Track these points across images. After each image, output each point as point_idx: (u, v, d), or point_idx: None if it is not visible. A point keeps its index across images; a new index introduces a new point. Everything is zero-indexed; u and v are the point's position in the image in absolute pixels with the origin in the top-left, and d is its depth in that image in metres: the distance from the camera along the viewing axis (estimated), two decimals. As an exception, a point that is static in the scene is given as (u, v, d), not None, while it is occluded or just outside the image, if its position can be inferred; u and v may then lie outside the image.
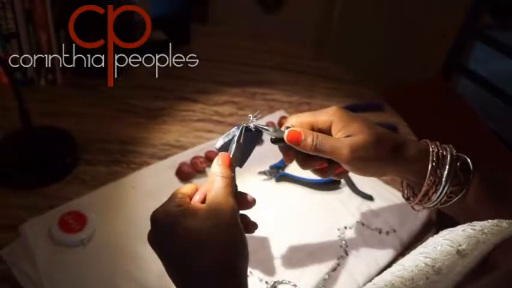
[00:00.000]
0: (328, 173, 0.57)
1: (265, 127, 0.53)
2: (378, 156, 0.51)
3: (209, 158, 0.83)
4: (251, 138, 0.52)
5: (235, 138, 0.51)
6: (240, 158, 0.51)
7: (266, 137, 0.90)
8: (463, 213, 0.52)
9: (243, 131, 0.52)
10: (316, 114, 0.54)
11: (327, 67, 1.23)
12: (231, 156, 0.51)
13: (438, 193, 0.50)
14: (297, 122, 0.54)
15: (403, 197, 0.58)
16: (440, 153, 0.51)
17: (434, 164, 0.50)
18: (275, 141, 0.54)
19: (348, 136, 0.52)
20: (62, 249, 0.66)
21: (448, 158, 0.51)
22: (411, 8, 1.78)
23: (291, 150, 0.54)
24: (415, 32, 1.80)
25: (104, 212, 0.71)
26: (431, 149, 0.52)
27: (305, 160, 0.55)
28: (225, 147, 0.52)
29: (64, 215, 0.68)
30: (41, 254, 0.64)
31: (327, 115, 0.53)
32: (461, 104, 1.60)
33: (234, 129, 0.52)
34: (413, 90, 1.62)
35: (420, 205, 0.54)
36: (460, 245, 0.41)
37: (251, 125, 0.52)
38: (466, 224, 0.44)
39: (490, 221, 0.43)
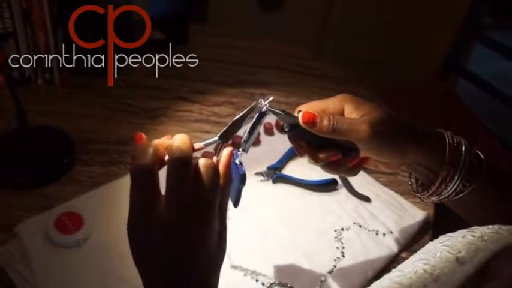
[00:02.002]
0: (342, 166, 0.54)
1: (278, 111, 0.50)
2: (396, 132, 0.50)
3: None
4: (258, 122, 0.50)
5: (249, 125, 0.49)
6: (248, 144, 0.50)
7: (264, 138, 0.92)
8: (472, 207, 0.52)
9: (260, 116, 0.49)
10: (326, 101, 0.52)
11: (325, 68, 1.23)
12: (243, 141, 0.49)
13: (455, 180, 0.50)
14: (308, 109, 0.51)
15: (413, 190, 0.57)
16: (455, 140, 0.51)
17: (451, 147, 0.50)
18: (288, 128, 0.51)
19: (362, 116, 0.50)
20: (57, 250, 0.65)
21: (463, 145, 0.51)
22: (411, 8, 1.78)
23: (302, 140, 0.52)
24: (414, 33, 1.80)
25: (101, 213, 0.71)
26: (446, 135, 0.51)
27: (318, 151, 0.52)
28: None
29: (60, 215, 0.68)
30: (37, 255, 0.64)
31: (337, 100, 0.52)
32: (459, 104, 1.60)
33: (245, 112, 0.49)
34: (412, 91, 1.62)
35: (434, 196, 0.52)
36: (459, 252, 0.41)
37: (263, 109, 0.49)
38: (466, 230, 0.44)
39: (490, 227, 0.43)
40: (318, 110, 0.50)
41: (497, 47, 1.56)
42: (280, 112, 0.50)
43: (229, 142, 0.49)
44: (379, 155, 0.51)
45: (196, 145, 0.45)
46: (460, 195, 0.50)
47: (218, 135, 0.47)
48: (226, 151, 0.46)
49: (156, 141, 0.44)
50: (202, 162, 0.43)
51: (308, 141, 0.52)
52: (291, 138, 0.53)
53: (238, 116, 0.48)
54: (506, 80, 1.74)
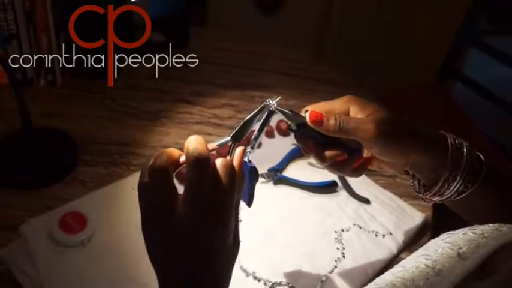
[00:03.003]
0: (347, 167, 0.55)
1: (286, 110, 0.51)
2: (401, 132, 0.51)
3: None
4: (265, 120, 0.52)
5: (258, 124, 0.50)
6: (257, 142, 0.51)
7: (265, 140, 0.93)
8: (472, 207, 0.52)
9: (269, 115, 0.50)
10: (332, 103, 0.53)
11: (325, 71, 1.24)
12: (253, 139, 0.50)
13: (457, 180, 0.50)
14: (315, 107, 0.52)
15: (415, 191, 0.57)
16: (457, 141, 0.52)
17: (453, 148, 0.51)
18: (295, 127, 0.52)
19: (368, 116, 0.51)
20: (62, 249, 0.66)
21: (465, 146, 0.51)
22: (409, 13, 1.80)
23: (309, 140, 0.53)
24: (412, 37, 1.82)
25: (104, 213, 0.72)
26: (448, 137, 0.52)
27: (324, 151, 0.53)
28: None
29: (64, 215, 0.68)
30: (41, 254, 0.64)
31: (343, 101, 0.53)
32: (456, 108, 1.62)
33: (255, 112, 0.50)
34: (409, 94, 1.64)
35: (436, 196, 0.53)
36: (460, 248, 0.42)
37: (272, 108, 0.51)
38: (467, 228, 0.45)
39: (490, 225, 0.44)
40: (325, 110, 0.51)
41: (493, 52, 1.58)
42: (288, 111, 0.51)
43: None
44: (384, 154, 0.52)
45: (210, 145, 0.46)
46: (462, 195, 0.51)
47: (230, 135, 0.48)
48: (238, 150, 0.47)
49: (170, 148, 0.45)
50: (219, 162, 0.44)
51: (314, 141, 0.53)
52: (297, 138, 0.54)
53: (249, 117, 0.49)
54: (503, 85, 1.76)
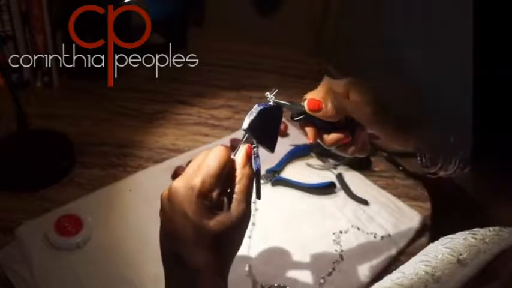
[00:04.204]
0: (352, 147, 0.55)
1: (284, 102, 0.51)
2: (397, 121, 0.51)
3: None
4: (273, 116, 0.51)
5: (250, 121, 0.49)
6: (268, 140, 0.50)
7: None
8: (477, 185, 0.52)
9: (261, 111, 0.49)
10: (331, 85, 0.53)
11: (323, 71, 1.24)
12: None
13: (451, 165, 0.49)
14: (313, 96, 0.52)
15: (421, 165, 0.56)
16: None
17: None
18: (296, 115, 0.52)
19: (366, 100, 0.51)
20: (57, 252, 0.65)
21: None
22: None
23: (312, 126, 0.53)
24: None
25: (101, 215, 0.71)
26: None
27: (329, 135, 0.53)
28: (252, 128, 0.49)
29: (60, 218, 0.68)
30: (37, 257, 0.64)
31: (342, 85, 0.53)
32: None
33: (256, 106, 0.49)
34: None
35: (441, 171, 0.52)
36: (461, 254, 0.41)
37: (270, 102, 0.50)
38: (467, 232, 0.44)
39: (491, 229, 0.43)
40: (324, 95, 0.51)
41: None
42: (286, 103, 0.51)
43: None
44: (383, 135, 0.53)
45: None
46: (465, 170, 0.50)
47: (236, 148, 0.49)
48: (244, 145, 0.48)
49: None
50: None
51: (317, 127, 0.53)
52: (301, 126, 0.54)
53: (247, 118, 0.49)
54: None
